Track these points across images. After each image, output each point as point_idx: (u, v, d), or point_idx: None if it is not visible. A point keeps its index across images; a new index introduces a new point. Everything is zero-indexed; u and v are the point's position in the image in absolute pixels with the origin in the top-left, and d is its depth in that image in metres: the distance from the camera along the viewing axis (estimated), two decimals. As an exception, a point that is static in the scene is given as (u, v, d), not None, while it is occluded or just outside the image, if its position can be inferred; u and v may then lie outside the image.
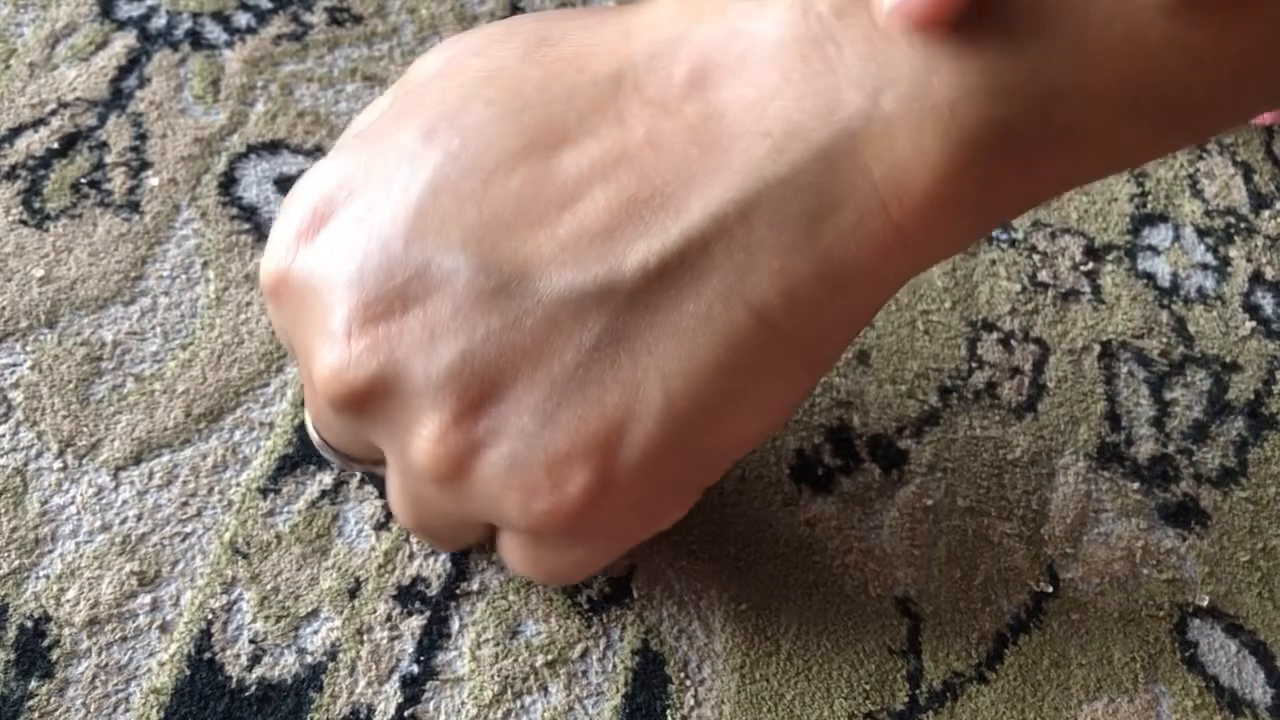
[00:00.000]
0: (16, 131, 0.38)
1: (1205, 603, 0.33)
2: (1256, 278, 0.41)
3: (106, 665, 0.30)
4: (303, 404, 0.34)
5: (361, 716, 0.30)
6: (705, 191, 0.23)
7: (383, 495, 0.32)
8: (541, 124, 0.24)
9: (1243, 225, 0.42)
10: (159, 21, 0.41)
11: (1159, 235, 0.41)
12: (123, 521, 0.32)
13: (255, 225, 0.37)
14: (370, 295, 0.24)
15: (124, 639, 0.30)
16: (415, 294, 0.24)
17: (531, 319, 0.23)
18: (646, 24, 0.25)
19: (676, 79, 0.23)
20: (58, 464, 0.32)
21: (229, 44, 0.41)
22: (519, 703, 0.30)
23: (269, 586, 0.31)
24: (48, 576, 0.31)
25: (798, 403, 0.26)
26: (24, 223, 0.36)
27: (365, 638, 0.31)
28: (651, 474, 0.24)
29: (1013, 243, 0.40)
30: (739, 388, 0.24)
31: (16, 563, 0.31)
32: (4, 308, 0.34)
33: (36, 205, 0.37)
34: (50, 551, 0.31)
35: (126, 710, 0.29)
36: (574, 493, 0.24)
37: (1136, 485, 0.35)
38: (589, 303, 0.23)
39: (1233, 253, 0.41)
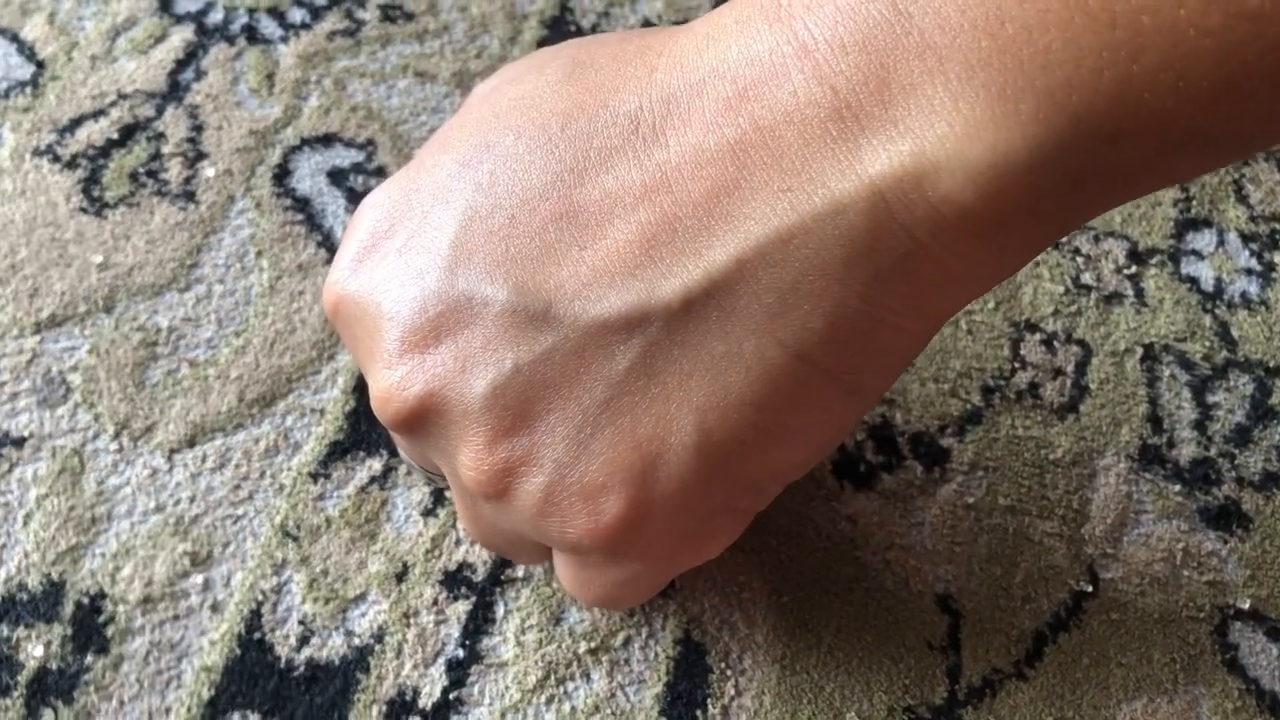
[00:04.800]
0: (77, 122, 0.39)
1: (1246, 606, 0.33)
2: (1301, 284, 0.41)
3: (159, 642, 0.30)
4: (370, 409, 0.34)
5: (407, 698, 0.30)
6: (725, 237, 0.23)
7: None
8: (566, 159, 0.24)
9: (1288, 231, 0.42)
10: (216, 16, 0.42)
11: (1203, 240, 0.41)
12: (176, 503, 0.32)
13: (308, 216, 0.38)
14: (409, 326, 0.25)
15: (176, 617, 0.31)
16: (449, 326, 0.24)
17: (560, 352, 0.24)
18: (669, 61, 0.24)
19: (694, 122, 0.23)
20: (114, 446, 0.33)
21: (284, 39, 0.42)
22: (562, 688, 0.30)
23: (318, 569, 0.32)
24: (104, 555, 0.31)
25: (846, 431, 0.26)
26: (84, 210, 0.37)
27: (412, 621, 0.31)
28: (690, 503, 0.25)
29: (1056, 245, 0.40)
30: (777, 421, 0.24)
31: (74, 540, 0.31)
32: (64, 293, 0.35)
33: (96, 194, 0.37)
34: (106, 530, 0.32)
35: (178, 687, 0.30)
36: (610, 520, 0.25)
37: (1178, 487, 0.35)
38: (617, 337, 0.23)
39: (1277, 258, 0.41)
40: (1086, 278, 0.40)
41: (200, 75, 0.41)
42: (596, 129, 0.24)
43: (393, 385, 0.25)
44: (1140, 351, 0.38)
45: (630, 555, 0.26)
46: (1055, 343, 0.38)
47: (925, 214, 0.21)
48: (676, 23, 0.44)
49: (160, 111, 0.40)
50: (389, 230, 0.26)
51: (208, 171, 0.38)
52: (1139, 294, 0.39)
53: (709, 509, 0.26)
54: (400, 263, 0.25)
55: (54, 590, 0.31)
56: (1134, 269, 0.40)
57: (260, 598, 0.31)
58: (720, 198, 0.23)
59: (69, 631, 0.30)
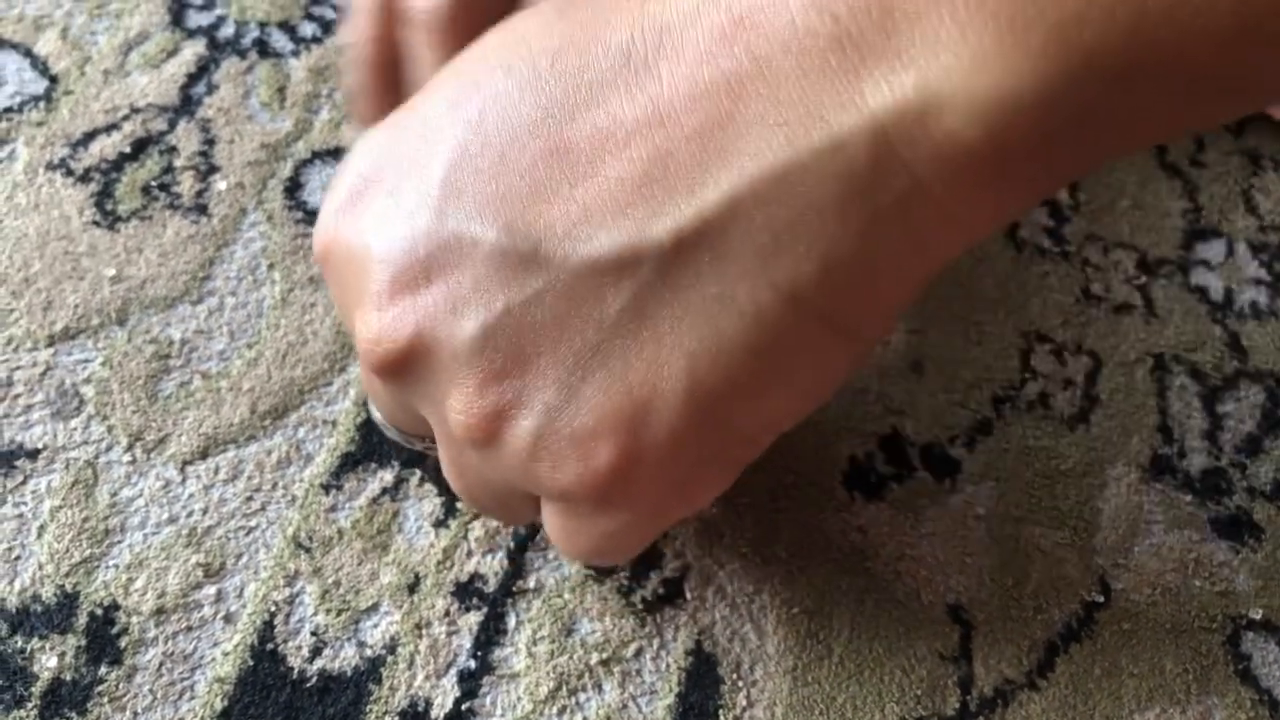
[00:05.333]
0: (90, 136, 0.39)
1: (1259, 616, 0.33)
2: (1311, 294, 0.41)
3: (173, 653, 0.30)
4: (366, 400, 0.34)
5: (419, 709, 0.30)
6: (719, 175, 0.22)
7: (440, 488, 0.33)
8: (556, 94, 0.24)
9: (1297, 241, 0.42)
10: (227, 30, 0.43)
11: (1212, 250, 0.41)
12: (189, 514, 0.32)
13: (319, 229, 0.38)
14: (399, 267, 0.24)
15: (189, 628, 0.31)
16: (439, 266, 0.24)
17: (551, 294, 0.23)
18: None
19: (687, 54, 0.22)
20: (127, 457, 0.33)
21: (295, 53, 0.42)
22: (574, 699, 0.30)
23: (330, 580, 0.32)
24: (117, 566, 0.31)
25: (840, 379, 0.25)
26: (96, 224, 0.37)
27: (424, 632, 0.31)
28: (681, 451, 0.24)
29: (1065, 255, 0.40)
30: (770, 366, 0.23)
31: (88, 552, 0.31)
32: (77, 305, 0.35)
33: (109, 207, 0.38)
34: (119, 542, 0.32)
35: (191, 698, 0.30)
36: (600, 466, 0.24)
37: (1189, 497, 0.35)
38: (608, 279, 0.23)
39: (1287, 269, 0.41)
40: (1096, 288, 0.40)
41: (212, 89, 0.41)
42: (587, 63, 0.23)
43: (384, 327, 0.24)
44: (1150, 362, 0.38)
45: (620, 504, 0.25)
46: (1065, 353, 0.38)
47: (928, 150, 0.21)
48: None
49: (172, 125, 0.40)
50: (377, 173, 0.26)
51: (220, 185, 0.39)
52: (1148, 304, 0.39)
53: (700, 457, 0.25)
54: (389, 204, 0.25)
55: (68, 602, 0.31)
56: (1143, 279, 0.40)
57: (273, 609, 0.31)
58: (714, 132, 0.22)
59: (83, 643, 0.30)
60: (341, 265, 0.26)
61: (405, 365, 0.25)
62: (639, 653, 0.31)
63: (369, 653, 0.31)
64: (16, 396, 0.34)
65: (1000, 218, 0.23)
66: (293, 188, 0.39)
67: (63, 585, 0.31)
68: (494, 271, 0.23)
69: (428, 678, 0.31)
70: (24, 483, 0.32)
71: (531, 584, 0.32)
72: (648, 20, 0.23)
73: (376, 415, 0.30)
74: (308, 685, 0.30)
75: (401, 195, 0.25)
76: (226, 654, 0.30)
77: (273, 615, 0.31)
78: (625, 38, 0.23)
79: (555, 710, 0.30)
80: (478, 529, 0.33)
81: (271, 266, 0.37)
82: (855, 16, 0.21)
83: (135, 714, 0.29)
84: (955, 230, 0.23)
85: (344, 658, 0.31)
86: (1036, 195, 0.23)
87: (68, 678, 0.30)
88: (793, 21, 0.21)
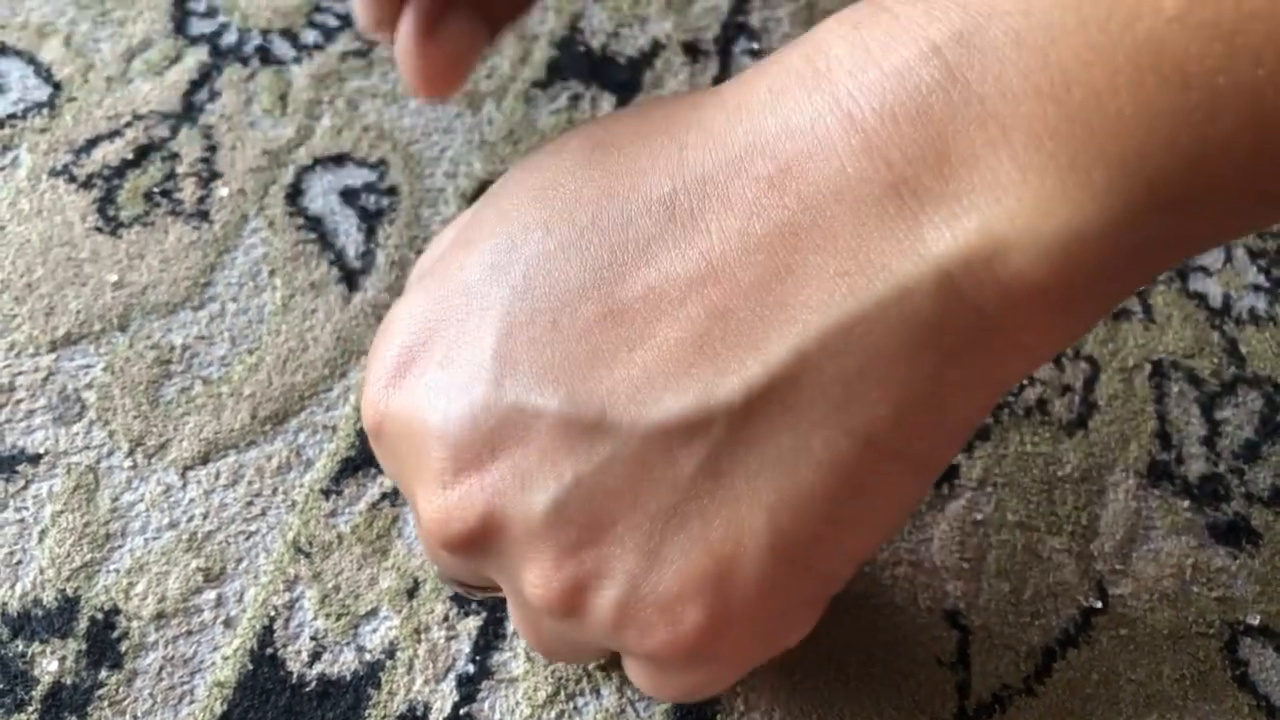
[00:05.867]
0: (93, 142, 0.39)
1: (1257, 622, 0.33)
2: (1310, 300, 0.41)
3: (173, 658, 0.30)
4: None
5: (418, 714, 0.30)
6: (783, 330, 0.21)
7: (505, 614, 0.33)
8: (602, 254, 0.23)
9: (1296, 248, 0.42)
10: (230, 38, 0.43)
11: (1210, 256, 0.41)
12: (189, 519, 0.33)
13: (321, 235, 0.38)
14: (460, 444, 0.23)
15: (189, 633, 0.31)
16: (502, 440, 0.23)
17: (620, 460, 0.23)
18: (699, 137, 0.23)
19: (735, 206, 0.22)
20: (128, 463, 0.33)
21: (297, 60, 0.42)
22: (572, 704, 0.31)
23: (330, 585, 0.32)
24: (117, 571, 0.31)
25: (915, 506, 0.25)
26: (99, 230, 0.37)
27: (423, 637, 0.31)
28: (769, 603, 0.24)
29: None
30: (850, 509, 0.23)
31: (88, 556, 0.32)
32: (79, 311, 0.36)
33: (111, 213, 0.38)
34: (120, 547, 0.32)
35: (191, 702, 0.30)
36: (689, 629, 0.23)
37: (1187, 503, 0.35)
38: (677, 440, 0.22)
39: (1286, 275, 0.41)
40: (1094, 294, 0.40)
41: (214, 96, 0.41)
42: (630, 217, 0.23)
43: (451, 506, 0.24)
44: (1149, 368, 0.38)
45: (709, 659, 0.25)
46: (1063, 359, 0.38)
47: (995, 291, 0.20)
48: (687, 43, 0.45)
49: (175, 132, 0.40)
50: (425, 343, 0.25)
51: (221, 191, 0.39)
52: (1147, 310, 0.40)
53: (786, 605, 0.24)
54: (443, 376, 0.24)
55: (69, 606, 0.31)
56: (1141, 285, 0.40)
57: (272, 613, 0.31)
58: (772, 285, 0.21)
59: (83, 647, 0.30)
60: (397, 441, 0.25)
61: (475, 543, 0.24)
62: (637, 658, 0.31)
63: (368, 657, 0.31)
64: (19, 401, 0.34)
65: (1069, 338, 0.23)
66: (294, 194, 0.39)
67: (64, 589, 0.31)
68: (560, 442, 0.23)
69: (426, 682, 0.31)
70: (25, 487, 0.32)
71: (530, 589, 0.32)
72: (688, 171, 0.23)
73: (439, 567, 0.29)
74: (307, 690, 0.30)
75: (454, 367, 0.24)
76: (226, 658, 0.31)
77: (272, 620, 0.31)
78: (668, 190, 0.23)
79: (553, 715, 0.30)
80: (477, 534, 0.33)
81: (273, 273, 0.37)
82: (910, 162, 0.20)
83: (135, 718, 0.29)
84: (1024, 357, 0.22)
85: (343, 662, 0.31)
86: (1103, 312, 0.23)
87: (68, 681, 0.30)
88: (843, 169, 0.21)
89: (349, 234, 0.38)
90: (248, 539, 0.32)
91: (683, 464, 0.22)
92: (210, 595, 0.31)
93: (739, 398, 0.22)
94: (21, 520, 0.32)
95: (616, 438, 0.22)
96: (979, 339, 0.21)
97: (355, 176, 0.40)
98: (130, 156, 0.39)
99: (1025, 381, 0.37)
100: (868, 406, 0.21)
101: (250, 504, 0.33)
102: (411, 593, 0.32)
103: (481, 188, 0.40)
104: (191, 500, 0.33)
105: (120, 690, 0.30)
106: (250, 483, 0.33)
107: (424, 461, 0.24)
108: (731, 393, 0.22)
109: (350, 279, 0.37)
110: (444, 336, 0.24)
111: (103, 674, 0.30)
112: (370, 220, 0.39)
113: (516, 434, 0.23)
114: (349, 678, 0.31)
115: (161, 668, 0.30)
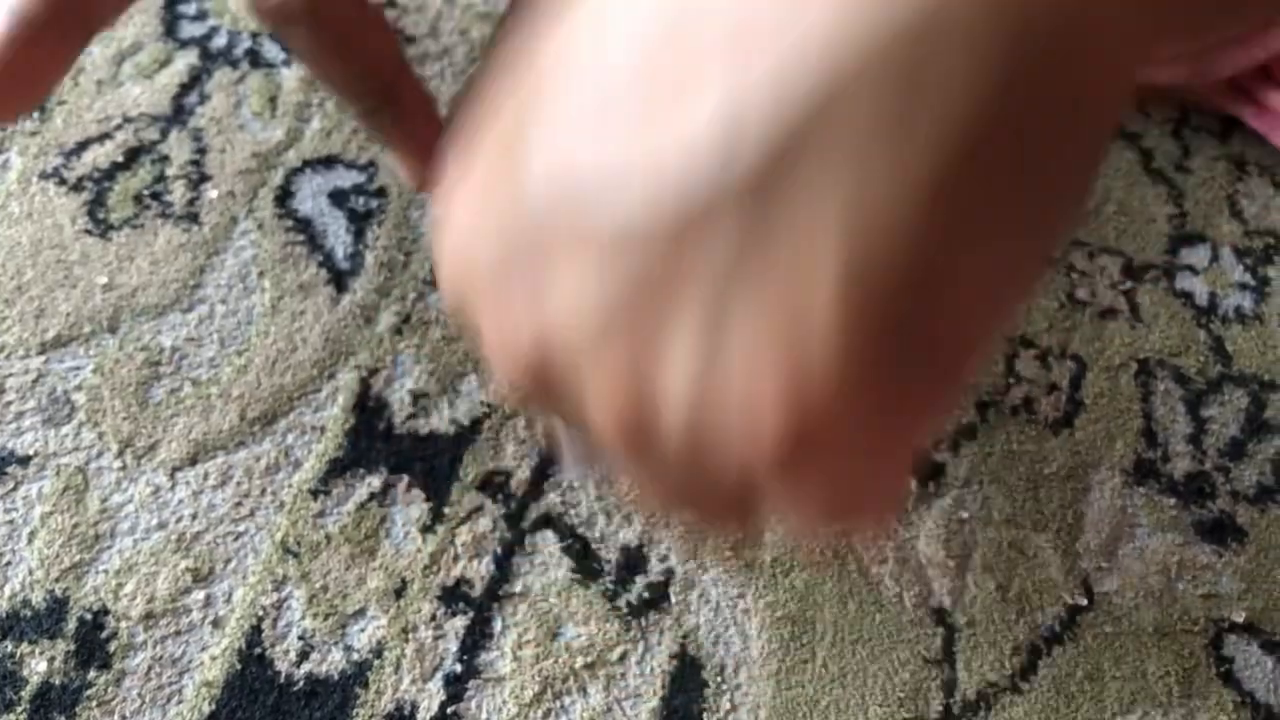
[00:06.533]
0: (83, 145, 0.40)
1: (1241, 619, 0.34)
2: (1296, 298, 0.41)
3: (161, 658, 0.31)
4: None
5: (405, 713, 0.30)
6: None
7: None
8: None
9: (1283, 246, 0.42)
10: (220, 41, 0.43)
11: (1197, 255, 0.41)
12: (178, 520, 0.33)
13: (310, 237, 0.38)
14: (495, 273, 0.20)
15: (178, 633, 0.31)
16: (533, 265, 0.19)
17: (647, 258, 0.18)
18: None
19: None
20: (117, 464, 0.33)
21: (286, 63, 0.43)
22: (559, 703, 0.31)
23: (318, 585, 0.32)
24: (106, 571, 0.32)
25: (1035, 264, 0.19)
26: (89, 232, 0.38)
27: (410, 636, 0.31)
28: (860, 370, 0.18)
29: (1051, 261, 0.40)
30: (936, 244, 0.18)
31: (77, 557, 0.32)
32: (69, 313, 0.36)
33: (101, 215, 0.38)
34: (109, 547, 0.32)
35: (179, 701, 0.30)
36: (775, 430, 0.19)
37: (1173, 501, 0.36)
38: (701, 216, 0.18)
39: (1271, 273, 0.41)
40: (1081, 293, 0.40)
41: (204, 99, 0.41)
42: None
43: (503, 342, 0.21)
44: (1135, 366, 0.38)
45: (818, 461, 0.19)
46: (1050, 358, 0.38)
47: None
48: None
49: (164, 135, 0.40)
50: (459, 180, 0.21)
51: (211, 193, 0.39)
52: (1133, 309, 0.40)
53: (891, 375, 0.19)
54: (475, 209, 0.20)
55: (58, 606, 0.31)
56: (1128, 284, 0.40)
57: (261, 613, 0.31)
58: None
59: (72, 647, 0.30)
60: (459, 289, 0.22)
61: (541, 380, 0.21)
62: (624, 657, 0.32)
63: (356, 657, 0.31)
64: (8, 403, 0.34)
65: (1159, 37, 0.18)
66: (283, 196, 0.39)
67: (53, 590, 0.31)
68: (587, 252, 0.19)
69: (414, 681, 0.31)
70: (15, 489, 0.33)
71: (518, 588, 0.32)
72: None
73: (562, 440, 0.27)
74: (295, 689, 0.30)
75: (489, 196, 0.20)
76: (214, 658, 0.31)
77: (260, 620, 0.31)
78: None
79: (540, 714, 0.31)
80: (464, 534, 0.33)
81: (262, 274, 0.37)
82: None
83: (124, 718, 0.30)
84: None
85: (331, 662, 0.31)
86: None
87: (57, 682, 0.30)
88: None
89: (338, 236, 0.38)
90: (236, 539, 0.33)
91: (721, 232, 0.18)
92: (199, 595, 0.32)
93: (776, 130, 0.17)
94: (11, 521, 0.32)
95: (643, 233, 0.18)
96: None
97: (344, 178, 0.40)
98: (120, 159, 0.39)
99: (1011, 381, 0.37)
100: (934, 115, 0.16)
101: (239, 504, 0.33)
102: (399, 592, 0.32)
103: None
104: (180, 501, 0.33)
105: (109, 690, 0.30)
106: (239, 483, 0.33)
107: (475, 299, 0.21)
108: (762, 126, 0.17)
109: (339, 280, 0.37)
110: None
111: (91, 674, 0.30)
112: (359, 222, 0.39)
113: (542, 258, 0.20)
114: (337, 677, 0.31)
115: (150, 668, 0.30)
